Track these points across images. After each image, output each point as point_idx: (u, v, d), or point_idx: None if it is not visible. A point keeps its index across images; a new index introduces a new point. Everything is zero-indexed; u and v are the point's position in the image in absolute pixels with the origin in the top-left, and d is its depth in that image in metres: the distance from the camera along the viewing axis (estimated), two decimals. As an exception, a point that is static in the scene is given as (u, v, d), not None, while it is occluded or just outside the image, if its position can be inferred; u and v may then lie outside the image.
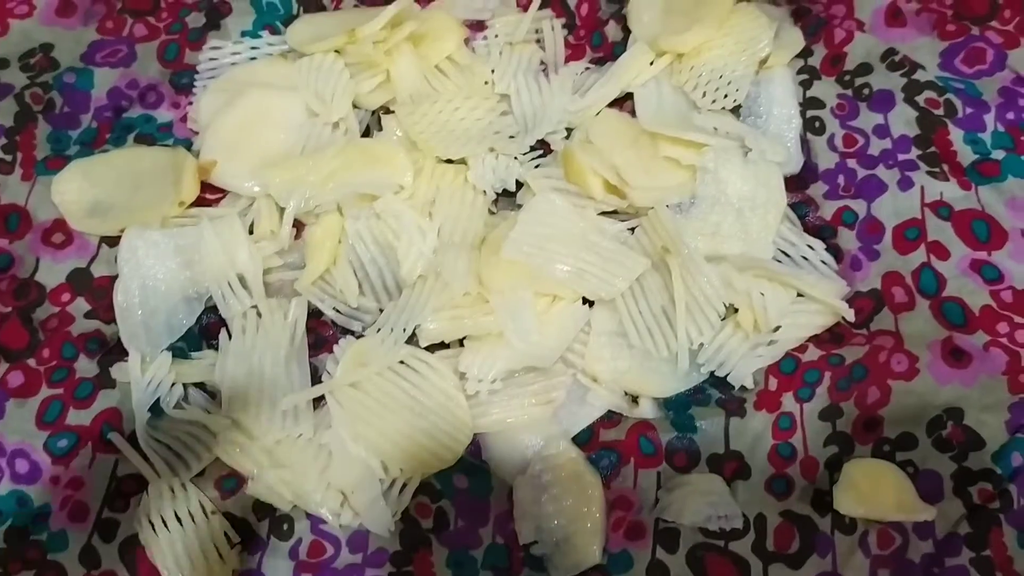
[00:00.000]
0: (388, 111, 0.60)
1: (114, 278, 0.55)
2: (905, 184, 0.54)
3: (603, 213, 0.55)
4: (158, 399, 0.51)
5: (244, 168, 0.57)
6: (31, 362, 0.53)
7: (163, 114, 0.61)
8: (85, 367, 0.53)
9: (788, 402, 0.50)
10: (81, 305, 0.55)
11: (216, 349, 0.53)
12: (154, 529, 0.48)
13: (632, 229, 0.54)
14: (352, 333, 0.53)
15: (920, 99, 0.55)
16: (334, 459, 0.49)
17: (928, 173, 0.53)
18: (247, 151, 0.57)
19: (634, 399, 0.52)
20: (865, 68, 0.58)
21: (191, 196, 0.56)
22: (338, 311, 0.54)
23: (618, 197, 0.54)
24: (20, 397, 0.52)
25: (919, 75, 0.56)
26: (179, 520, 0.48)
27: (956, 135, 0.54)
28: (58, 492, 0.49)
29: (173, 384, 0.52)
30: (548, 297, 0.52)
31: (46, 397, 0.52)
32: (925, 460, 0.46)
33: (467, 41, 0.62)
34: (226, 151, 0.57)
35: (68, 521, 0.49)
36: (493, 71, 0.61)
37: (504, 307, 0.50)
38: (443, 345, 0.52)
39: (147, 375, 0.52)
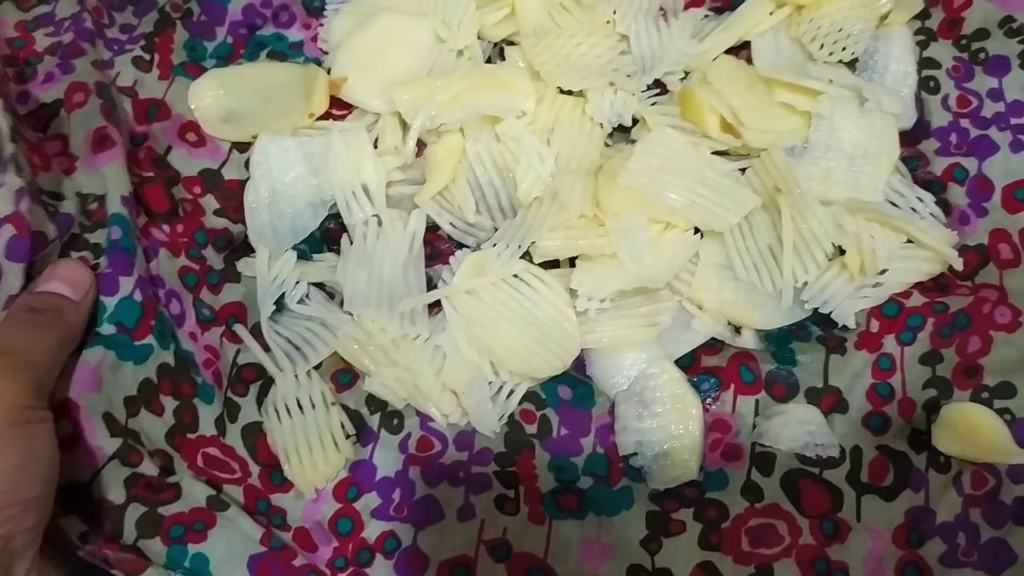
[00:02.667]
0: (510, 43, 0.61)
1: (243, 182, 0.56)
2: (1017, 146, 0.53)
3: (715, 153, 0.55)
4: (282, 295, 0.53)
5: (373, 86, 0.58)
6: (167, 229, 0.53)
7: (294, 33, 0.63)
8: (213, 258, 0.54)
9: (889, 344, 0.50)
10: (211, 202, 0.56)
11: (337, 253, 0.55)
12: (278, 417, 0.49)
13: (743, 170, 0.55)
14: (467, 247, 0.54)
15: (1035, 66, 0.55)
16: (448, 361, 0.50)
17: (1039, 137, 0.53)
18: (376, 70, 0.59)
19: (737, 329, 0.52)
20: (982, 33, 0.57)
21: (321, 109, 0.58)
22: (454, 226, 0.55)
23: (733, 137, 0.55)
24: (166, 249, 0.52)
25: (1034, 43, 0.56)
26: (301, 408, 0.49)
27: (1069, 103, 0.54)
28: (199, 348, 0.50)
29: (297, 282, 0.53)
30: (661, 224, 0.52)
31: (183, 266, 0.53)
32: (1022, 409, 0.46)
33: (593, -19, 0.63)
34: (356, 69, 0.59)
35: (211, 379, 0.50)
36: (615, 12, 0.61)
37: (619, 230, 0.51)
38: (555, 264, 0.53)
39: (272, 271, 0.53)
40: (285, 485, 0.48)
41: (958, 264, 0.50)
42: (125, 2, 0.61)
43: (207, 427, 0.48)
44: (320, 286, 0.54)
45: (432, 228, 0.56)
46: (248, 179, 0.56)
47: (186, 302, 0.51)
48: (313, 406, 0.50)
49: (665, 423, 0.49)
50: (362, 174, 0.55)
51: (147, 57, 0.58)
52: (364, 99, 0.59)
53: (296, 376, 0.50)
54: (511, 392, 0.51)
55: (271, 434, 0.49)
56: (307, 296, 0.54)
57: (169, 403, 0.47)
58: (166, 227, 0.53)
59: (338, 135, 0.56)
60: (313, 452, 0.49)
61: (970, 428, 0.46)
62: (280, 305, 0.53)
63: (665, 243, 0.52)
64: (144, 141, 0.55)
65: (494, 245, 0.53)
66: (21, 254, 0.43)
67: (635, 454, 0.49)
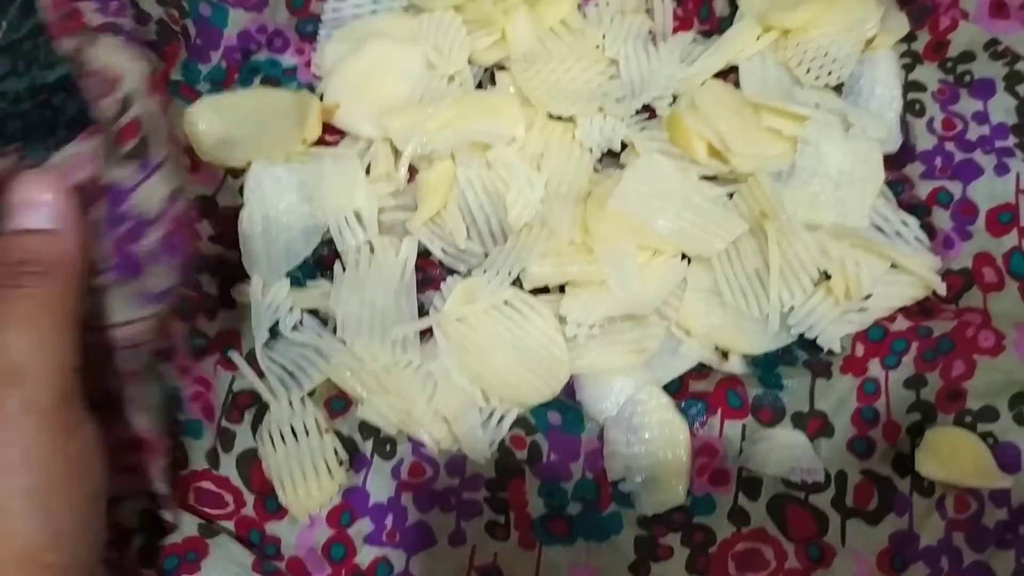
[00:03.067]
0: (501, 68, 0.62)
1: (237, 208, 0.57)
2: (1001, 170, 0.54)
3: (703, 178, 0.56)
4: (276, 322, 0.54)
5: (365, 112, 0.59)
6: None
7: (288, 59, 0.63)
8: (208, 284, 0.55)
9: (874, 368, 0.51)
10: (206, 228, 0.57)
11: (330, 280, 0.55)
12: (272, 444, 0.50)
13: (731, 195, 0.55)
14: (458, 273, 0.55)
15: (1021, 89, 0.55)
16: (439, 388, 0.51)
17: (1024, 160, 0.54)
18: (368, 97, 0.59)
19: (724, 354, 0.53)
20: (967, 56, 0.58)
21: (314, 135, 0.58)
22: (445, 252, 0.56)
23: (720, 162, 0.55)
24: None
25: (1021, 66, 0.56)
26: (295, 435, 0.50)
27: (1053, 126, 0.54)
28: (188, 383, 0.51)
29: (291, 309, 0.54)
30: (649, 251, 0.53)
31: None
32: (1005, 433, 0.47)
33: (580, 6, 0.63)
34: (349, 96, 0.59)
35: (200, 414, 0.51)
36: (604, 36, 0.62)
37: (608, 256, 0.51)
38: (545, 291, 0.54)
39: (267, 298, 0.54)
40: (280, 512, 0.49)
41: (941, 289, 0.51)
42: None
43: (198, 462, 0.49)
44: (314, 312, 0.55)
45: (424, 254, 0.56)
46: (242, 206, 0.57)
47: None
48: (307, 433, 0.50)
49: (653, 448, 0.50)
50: (354, 200, 0.56)
51: None
52: (356, 126, 0.59)
53: (290, 403, 0.51)
54: (501, 418, 0.52)
55: (266, 460, 0.50)
56: (301, 323, 0.54)
57: None
58: None
59: (330, 162, 0.57)
60: (307, 479, 0.49)
61: (953, 452, 0.47)
62: (274, 332, 0.54)
63: (653, 270, 0.53)
64: None
65: (484, 271, 0.53)
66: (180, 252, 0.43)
67: (624, 479, 0.50)
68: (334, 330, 0.53)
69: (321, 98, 0.60)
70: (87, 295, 0.35)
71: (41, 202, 0.33)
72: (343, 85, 0.60)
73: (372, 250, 0.56)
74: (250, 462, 0.50)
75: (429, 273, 0.56)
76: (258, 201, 0.57)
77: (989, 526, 0.45)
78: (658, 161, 0.54)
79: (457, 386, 0.51)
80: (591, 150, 0.59)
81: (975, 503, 0.46)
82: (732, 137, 0.55)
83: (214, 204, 0.57)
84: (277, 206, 0.57)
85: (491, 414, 0.52)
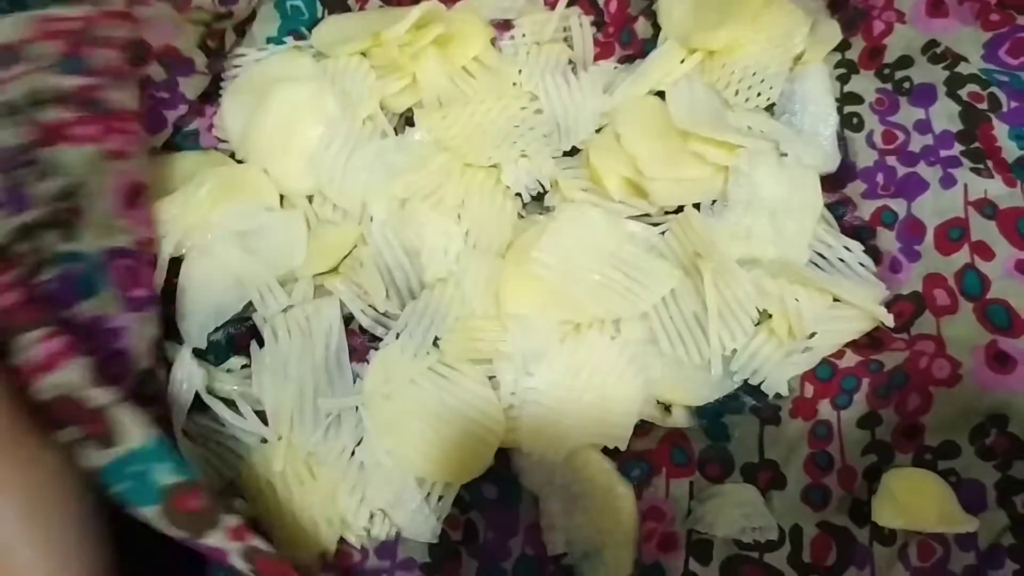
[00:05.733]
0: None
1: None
2: (947, 182, 0.54)
3: (635, 217, 0.56)
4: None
5: (296, 168, 0.59)
6: None
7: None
8: None
9: (825, 409, 0.51)
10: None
11: (244, 358, 0.55)
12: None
13: (664, 233, 0.55)
14: (380, 341, 0.55)
15: (963, 93, 0.55)
16: (371, 478, 0.51)
17: (972, 170, 0.53)
18: (293, 151, 0.59)
19: (667, 407, 0.53)
20: (905, 61, 0.58)
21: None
22: (365, 313, 0.56)
23: (640, 196, 0.56)
24: None
25: (962, 68, 0.56)
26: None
27: (1001, 130, 0.54)
28: None
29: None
30: (571, 324, 0.53)
31: None
32: (968, 469, 0.47)
33: (493, 41, 0.63)
34: (273, 156, 0.59)
35: None
36: (520, 71, 0.62)
37: (520, 335, 0.52)
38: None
39: (181, 375, 0.53)
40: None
41: (889, 321, 0.51)
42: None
43: None
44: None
45: (347, 320, 0.56)
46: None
47: None
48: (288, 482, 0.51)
49: (595, 518, 0.49)
50: (294, 259, 0.57)
51: None
52: (291, 184, 0.59)
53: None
54: (440, 497, 0.51)
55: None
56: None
57: None
58: None
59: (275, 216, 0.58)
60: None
61: (913, 496, 0.46)
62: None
63: (579, 345, 0.53)
64: None
65: (397, 336, 0.53)
66: None
67: (565, 554, 0.50)
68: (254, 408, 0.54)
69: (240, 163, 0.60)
70: None
71: None
72: (260, 148, 0.60)
73: (292, 317, 0.56)
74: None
75: (352, 343, 0.56)
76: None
77: (956, 572, 0.45)
78: (583, 211, 0.54)
79: (389, 473, 0.51)
80: (518, 195, 0.59)
81: (940, 549, 0.46)
82: (650, 162, 0.55)
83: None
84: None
85: (428, 494, 0.51)
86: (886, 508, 0.47)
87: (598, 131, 0.60)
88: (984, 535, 0.45)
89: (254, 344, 0.55)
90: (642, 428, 0.53)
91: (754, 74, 0.58)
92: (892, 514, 0.46)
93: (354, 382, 0.54)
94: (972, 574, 0.45)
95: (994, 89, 0.55)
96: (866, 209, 0.55)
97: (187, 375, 0.53)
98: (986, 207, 0.52)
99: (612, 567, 0.49)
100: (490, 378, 0.53)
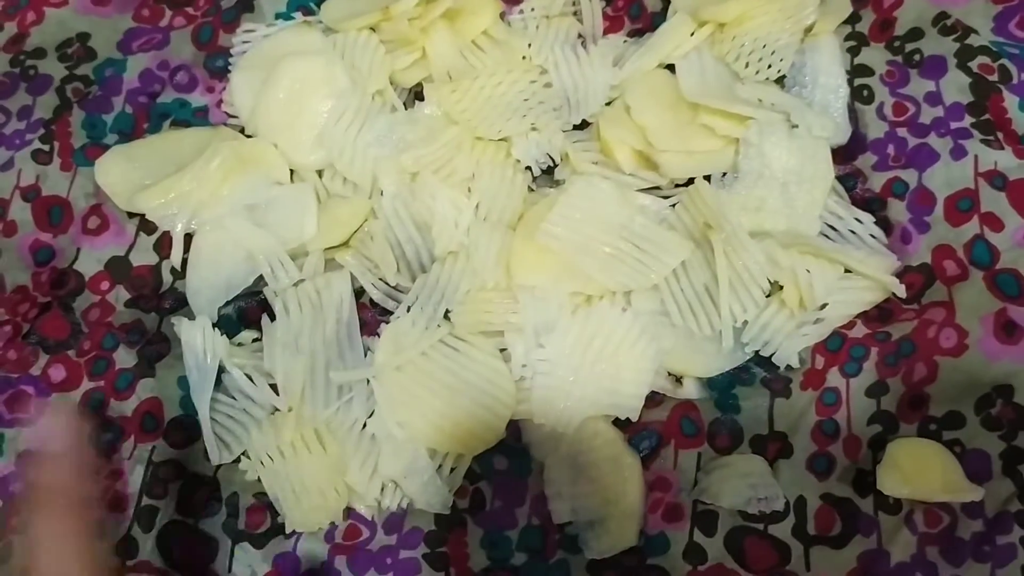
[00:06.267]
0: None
1: (153, 267, 0.59)
2: (958, 153, 0.54)
3: (643, 190, 0.57)
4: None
5: (304, 142, 0.60)
6: (71, 354, 0.56)
7: (197, 98, 0.64)
8: (124, 358, 0.56)
9: (833, 377, 0.52)
10: (121, 294, 0.58)
11: (256, 332, 0.57)
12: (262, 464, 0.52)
13: (675, 205, 0.56)
14: (390, 314, 0.56)
15: (973, 65, 0.56)
16: (383, 451, 0.52)
17: (982, 141, 0.54)
18: (301, 125, 0.60)
19: (678, 379, 0.54)
20: (916, 33, 0.58)
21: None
22: (375, 287, 0.57)
23: (650, 168, 0.56)
24: (62, 391, 0.55)
25: (972, 40, 0.56)
26: (283, 455, 0.52)
27: (1011, 102, 0.54)
28: (98, 484, 0.52)
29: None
30: (582, 296, 0.54)
31: (87, 389, 0.55)
32: (973, 439, 0.47)
33: (503, 15, 0.64)
34: (281, 131, 0.60)
35: (107, 512, 0.52)
36: (530, 45, 0.62)
37: (532, 307, 0.53)
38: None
39: (202, 344, 0.55)
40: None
41: (900, 291, 0.51)
42: (17, 83, 0.62)
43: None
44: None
45: (357, 294, 0.57)
46: (158, 263, 0.59)
47: None
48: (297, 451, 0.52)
49: (601, 488, 0.50)
50: (304, 232, 0.57)
51: (46, 148, 0.61)
52: (300, 159, 0.60)
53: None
54: (452, 468, 0.52)
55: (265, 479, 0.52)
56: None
57: None
58: (70, 353, 0.56)
59: (285, 190, 0.59)
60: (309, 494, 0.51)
61: (918, 466, 0.47)
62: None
63: (590, 317, 0.54)
64: (50, 260, 0.58)
65: (408, 309, 0.54)
66: None
67: (570, 523, 0.50)
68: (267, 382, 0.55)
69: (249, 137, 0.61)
70: None
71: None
72: (271, 121, 0.61)
73: (303, 291, 0.57)
74: (169, 538, 0.51)
75: (363, 317, 0.57)
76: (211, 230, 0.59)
77: (965, 538, 0.46)
78: (594, 184, 0.55)
79: (401, 444, 0.52)
80: (528, 168, 0.60)
81: (947, 516, 0.46)
82: (660, 134, 0.56)
83: (127, 265, 0.59)
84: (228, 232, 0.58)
85: (440, 466, 0.52)
86: (891, 477, 0.47)
87: (608, 104, 0.60)
88: (990, 503, 0.46)
89: (265, 318, 0.56)
90: (653, 399, 0.53)
91: (764, 46, 0.58)
92: (897, 483, 0.47)
93: (365, 355, 0.55)
94: (980, 540, 0.45)
95: (1004, 61, 0.55)
96: (877, 181, 0.56)
97: (209, 345, 0.55)
98: (996, 178, 0.53)
99: (616, 536, 0.49)
100: (501, 350, 0.54)
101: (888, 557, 0.47)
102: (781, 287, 0.52)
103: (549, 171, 0.60)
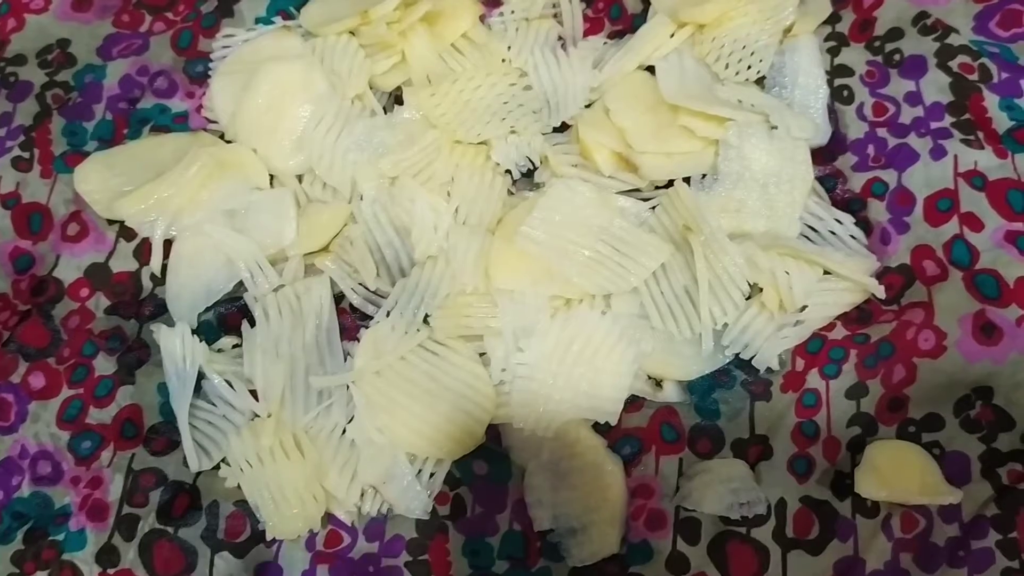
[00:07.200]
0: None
1: (133, 274, 0.59)
2: (938, 153, 0.54)
3: (622, 192, 0.57)
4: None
5: (284, 148, 0.60)
6: (51, 361, 0.56)
7: (177, 104, 0.64)
8: (104, 365, 0.56)
9: (813, 379, 0.52)
10: (101, 301, 0.58)
11: (236, 337, 0.57)
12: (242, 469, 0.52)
13: (654, 207, 0.56)
14: (370, 319, 0.56)
15: (953, 64, 0.56)
16: (362, 454, 0.52)
17: (962, 141, 0.54)
18: (281, 130, 0.60)
19: (657, 382, 0.54)
20: (896, 33, 0.58)
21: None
22: (355, 292, 0.57)
23: (630, 170, 0.57)
24: (42, 399, 0.55)
25: (952, 39, 0.57)
26: (261, 461, 0.52)
27: (991, 101, 0.54)
28: (79, 492, 0.53)
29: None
30: (562, 299, 0.54)
31: (67, 397, 0.55)
32: (952, 441, 0.48)
33: (482, 18, 0.64)
34: (261, 136, 0.60)
35: (87, 520, 0.52)
36: (509, 48, 0.62)
37: (511, 311, 0.53)
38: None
39: (180, 351, 0.55)
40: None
41: (880, 292, 0.51)
42: (-4, 90, 0.63)
43: (89, 570, 0.51)
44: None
45: (337, 299, 0.57)
46: (137, 270, 0.59)
47: (60, 453, 0.54)
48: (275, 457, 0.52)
49: (582, 495, 0.50)
50: (284, 237, 0.58)
51: (26, 155, 0.61)
52: (280, 164, 0.61)
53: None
54: (432, 473, 0.52)
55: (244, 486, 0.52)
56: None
57: None
58: (50, 360, 0.56)
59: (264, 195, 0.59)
60: (288, 500, 0.51)
61: (896, 469, 0.47)
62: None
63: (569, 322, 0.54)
64: (29, 267, 0.58)
65: (388, 313, 0.55)
66: None
67: (552, 530, 0.50)
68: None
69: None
70: None
71: None
72: (249, 128, 0.61)
73: (283, 296, 0.57)
74: (152, 547, 0.52)
75: (343, 322, 0.57)
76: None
77: (939, 544, 0.46)
78: (573, 186, 0.55)
79: (381, 449, 0.52)
80: (508, 172, 0.60)
81: (923, 520, 0.46)
82: (639, 136, 0.56)
83: (107, 272, 0.59)
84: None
85: (419, 471, 0.52)
86: (869, 480, 0.47)
87: (588, 106, 0.60)
88: (968, 506, 0.46)
89: (245, 323, 0.56)
90: (633, 404, 0.54)
91: (744, 47, 0.59)
92: (875, 486, 0.47)
93: (345, 360, 0.55)
94: (955, 545, 0.45)
95: (985, 60, 0.56)
96: (857, 181, 0.56)
97: (189, 351, 0.55)
98: (975, 178, 0.53)
99: (598, 544, 0.49)
100: (481, 355, 0.54)
101: (863, 565, 0.47)
102: (761, 289, 0.52)
103: (529, 174, 0.60)
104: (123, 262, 0.59)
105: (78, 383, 0.56)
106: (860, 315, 0.53)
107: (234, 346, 0.57)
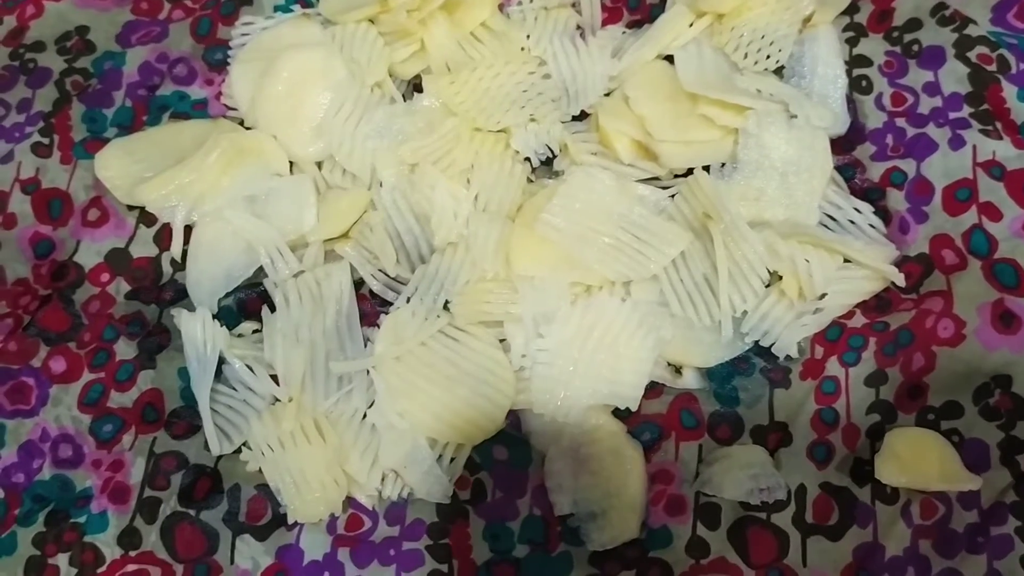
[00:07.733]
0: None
1: (153, 259, 0.59)
2: (956, 143, 0.55)
3: (642, 181, 0.57)
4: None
5: (304, 135, 0.61)
6: (72, 346, 0.57)
7: (196, 91, 0.65)
8: (125, 350, 0.57)
9: (833, 366, 0.52)
10: (121, 286, 0.59)
11: (257, 322, 0.57)
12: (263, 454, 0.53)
13: (674, 195, 0.56)
14: (390, 305, 0.56)
15: (972, 55, 0.56)
16: (383, 439, 0.52)
17: (980, 131, 0.54)
18: (301, 117, 0.61)
19: (677, 369, 0.54)
20: (914, 24, 0.59)
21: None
22: (375, 278, 0.57)
23: (649, 159, 0.57)
24: (63, 383, 0.56)
25: (971, 30, 0.57)
26: (283, 446, 0.52)
27: (1009, 91, 0.55)
28: (100, 475, 0.53)
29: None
30: (582, 286, 0.54)
31: (88, 381, 0.56)
32: (971, 429, 0.48)
33: (501, 7, 0.65)
34: (280, 123, 0.61)
35: (109, 503, 0.53)
36: (528, 36, 0.63)
37: (531, 297, 0.53)
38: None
39: (202, 335, 0.55)
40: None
41: (900, 281, 0.52)
42: (16, 76, 0.63)
43: (111, 552, 0.51)
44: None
45: (357, 285, 0.58)
46: (157, 255, 0.60)
47: (81, 437, 0.54)
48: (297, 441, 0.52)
49: (603, 480, 0.51)
50: (304, 224, 0.58)
51: (46, 141, 0.61)
52: (300, 151, 0.61)
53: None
54: (452, 458, 0.53)
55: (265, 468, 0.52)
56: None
57: (63, 560, 0.51)
58: (70, 345, 0.56)
59: (284, 182, 0.59)
60: (309, 484, 0.52)
61: (916, 455, 0.47)
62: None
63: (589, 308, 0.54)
64: (49, 252, 0.59)
65: (408, 299, 0.55)
66: None
67: (572, 515, 0.51)
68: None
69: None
70: None
71: None
72: (271, 113, 0.61)
73: (303, 282, 0.57)
74: (173, 530, 0.52)
75: (362, 308, 0.57)
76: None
77: (959, 530, 0.46)
78: (593, 174, 0.55)
79: (401, 433, 0.52)
80: (527, 159, 0.60)
81: (942, 507, 0.47)
82: (659, 124, 0.57)
83: (128, 257, 0.59)
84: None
85: (440, 456, 0.53)
86: (889, 466, 0.48)
87: (607, 95, 0.61)
88: (987, 493, 0.46)
89: (265, 309, 0.57)
90: (653, 390, 0.54)
91: (763, 37, 0.59)
92: (895, 472, 0.47)
93: (365, 346, 0.55)
94: (974, 532, 0.46)
95: (1003, 51, 0.56)
96: (876, 171, 0.56)
97: (209, 336, 0.55)
98: (994, 168, 0.53)
99: (618, 528, 0.50)
100: (501, 341, 0.54)
101: (883, 551, 0.47)
102: (780, 277, 0.53)
103: (548, 162, 0.60)
104: (143, 248, 0.60)
105: (99, 367, 0.56)
106: (879, 303, 0.53)
107: (254, 331, 0.57)
